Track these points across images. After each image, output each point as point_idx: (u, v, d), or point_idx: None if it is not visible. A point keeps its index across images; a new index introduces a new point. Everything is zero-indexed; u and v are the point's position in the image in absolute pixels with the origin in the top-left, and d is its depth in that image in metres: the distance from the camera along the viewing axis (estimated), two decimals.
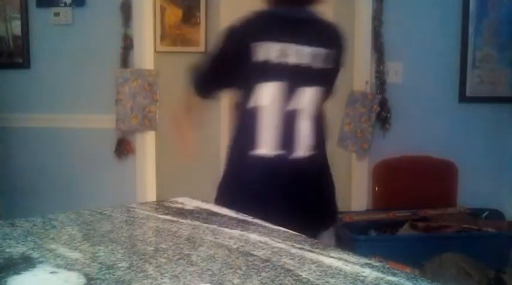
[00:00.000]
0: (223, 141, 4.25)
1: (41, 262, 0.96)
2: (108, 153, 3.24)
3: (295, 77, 1.66)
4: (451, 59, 3.17)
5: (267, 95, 1.65)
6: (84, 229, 1.20)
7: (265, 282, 0.87)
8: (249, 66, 1.65)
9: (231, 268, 0.94)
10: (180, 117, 1.90)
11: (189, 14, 4.24)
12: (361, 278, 0.89)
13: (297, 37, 1.66)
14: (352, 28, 3.13)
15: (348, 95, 3.13)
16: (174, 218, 1.27)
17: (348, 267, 0.94)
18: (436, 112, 3.20)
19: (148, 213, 1.35)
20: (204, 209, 1.37)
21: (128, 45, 3.18)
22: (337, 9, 3.18)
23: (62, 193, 3.29)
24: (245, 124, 1.73)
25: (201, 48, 4.21)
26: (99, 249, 1.04)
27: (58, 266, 0.95)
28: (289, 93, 1.66)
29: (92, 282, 0.88)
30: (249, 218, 1.28)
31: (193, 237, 1.12)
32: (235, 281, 0.88)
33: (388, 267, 0.94)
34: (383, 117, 3.12)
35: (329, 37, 1.76)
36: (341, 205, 2.05)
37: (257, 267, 0.94)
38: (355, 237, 2.70)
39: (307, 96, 1.69)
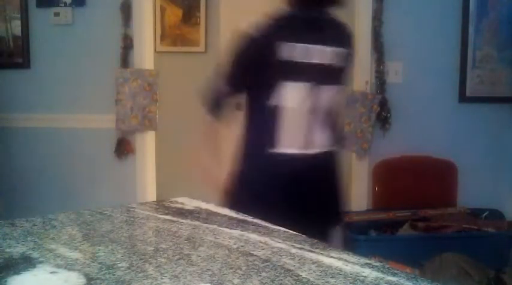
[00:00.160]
0: (223, 141, 4.24)
1: (41, 262, 0.96)
2: (108, 153, 3.24)
3: (318, 76, 1.71)
4: (451, 59, 3.17)
5: (291, 94, 1.69)
6: (84, 229, 1.20)
7: (265, 282, 0.87)
8: (272, 66, 1.67)
9: (231, 268, 0.94)
10: (203, 148, 1.90)
11: (189, 14, 4.24)
12: (361, 278, 0.89)
13: (318, 37, 1.71)
14: (352, 28, 3.12)
15: (348, 95, 3.13)
16: (174, 218, 1.27)
17: (348, 267, 0.94)
18: (436, 112, 3.20)
19: (148, 213, 1.35)
20: (204, 209, 1.37)
21: (127, 45, 3.18)
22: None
23: (62, 193, 3.29)
24: (264, 123, 1.76)
25: (201, 48, 4.22)
26: (99, 249, 1.04)
27: (58, 266, 0.95)
28: (312, 91, 1.71)
29: (92, 282, 0.88)
30: (249, 218, 1.28)
31: (193, 237, 1.12)
32: (235, 281, 0.88)
33: (388, 267, 0.94)
34: (383, 117, 3.12)
35: (344, 36, 1.82)
36: None
37: (257, 267, 0.94)
38: (355, 237, 2.71)
39: (327, 94, 1.74)
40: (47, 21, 3.27)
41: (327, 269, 0.93)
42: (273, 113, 1.70)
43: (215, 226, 1.21)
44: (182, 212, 1.33)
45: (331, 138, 1.79)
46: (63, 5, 3.23)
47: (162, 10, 4.25)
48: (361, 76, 3.13)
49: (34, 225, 1.22)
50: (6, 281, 0.88)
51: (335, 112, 1.82)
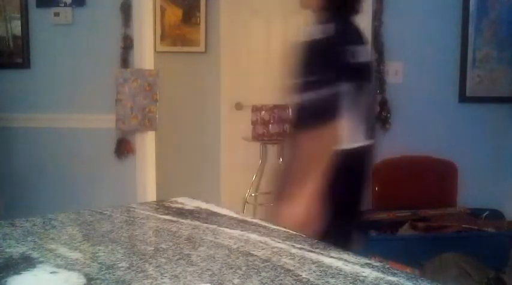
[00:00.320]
0: (223, 141, 4.25)
1: (41, 262, 0.96)
2: (108, 153, 3.24)
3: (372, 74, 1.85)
4: (451, 59, 3.17)
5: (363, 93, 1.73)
6: (84, 229, 1.20)
7: (265, 282, 0.87)
8: (349, 68, 1.65)
9: (231, 268, 0.94)
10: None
11: (189, 14, 4.23)
12: (361, 278, 0.89)
13: (363, 39, 1.78)
14: None
15: None
16: (174, 218, 1.27)
17: (348, 267, 0.94)
18: (436, 112, 3.20)
19: (148, 213, 1.35)
20: (204, 209, 1.37)
21: (128, 45, 3.18)
22: None
23: (62, 193, 3.29)
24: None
25: (201, 48, 4.21)
26: (99, 249, 1.04)
27: (58, 266, 0.95)
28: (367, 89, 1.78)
29: (92, 282, 0.88)
30: (249, 218, 1.28)
31: (193, 238, 1.12)
32: (235, 281, 0.88)
33: (388, 267, 0.94)
34: (383, 117, 3.12)
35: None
36: None
37: (257, 267, 0.94)
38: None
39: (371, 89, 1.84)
40: (47, 21, 3.27)
41: (327, 269, 0.93)
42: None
43: (215, 226, 1.21)
44: (182, 212, 1.33)
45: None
46: (63, 5, 3.23)
47: (162, 10, 4.25)
48: None
49: (34, 225, 1.22)
50: (6, 281, 0.88)
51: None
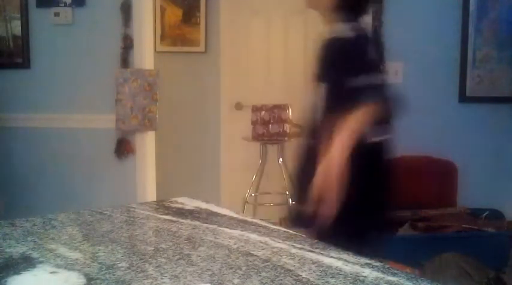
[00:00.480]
0: (223, 141, 4.25)
1: (41, 262, 0.96)
2: (108, 153, 3.24)
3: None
4: (451, 59, 3.17)
5: None
6: (84, 229, 1.20)
7: (265, 282, 0.87)
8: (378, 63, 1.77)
9: (231, 268, 0.94)
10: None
11: (189, 14, 4.23)
12: (361, 278, 0.89)
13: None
14: None
15: None
16: (174, 218, 1.27)
17: (348, 267, 0.94)
18: (436, 112, 3.20)
19: (148, 213, 1.35)
20: (204, 209, 1.37)
21: (128, 45, 3.18)
22: None
23: (62, 193, 3.29)
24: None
25: (201, 48, 4.21)
26: (99, 249, 1.04)
27: (58, 266, 0.95)
28: None
29: (92, 282, 0.88)
30: (249, 218, 1.28)
31: (193, 237, 1.12)
32: (235, 281, 0.88)
33: (388, 267, 0.94)
34: None
35: None
36: None
37: (257, 267, 0.94)
38: None
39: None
40: (47, 21, 3.27)
41: (327, 269, 0.93)
42: None
43: (215, 226, 1.21)
44: (182, 212, 1.33)
45: None
46: (63, 5, 3.23)
47: (162, 10, 4.25)
48: None
49: (34, 225, 1.22)
50: (6, 281, 0.88)
51: None
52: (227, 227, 1.20)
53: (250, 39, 4.21)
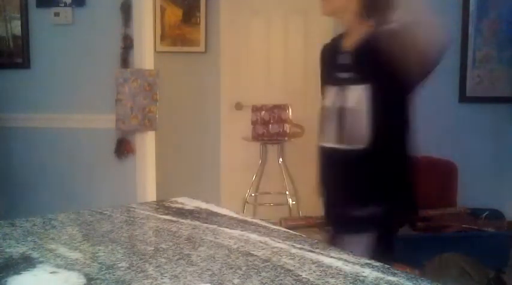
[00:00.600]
0: (223, 141, 4.26)
1: (41, 262, 0.96)
2: (108, 153, 3.24)
3: None
4: (451, 59, 3.16)
5: None
6: (84, 229, 1.20)
7: (265, 282, 0.87)
8: None
9: (231, 268, 0.94)
10: None
11: (189, 14, 4.24)
12: (361, 278, 0.89)
13: None
14: None
15: None
16: (174, 218, 1.27)
17: (348, 267, 0.94)
18: (436, 112, 3.20)
19: (148, 213, 1.35)
20: (204, 209, 1.37)
21: (128, 45, 3.18)
22: None
23: (62, 193, 3.29)
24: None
25: (201, 48, 4.21)
26: (99, 249, 1.04)
27: (58, 266, 0.95)
28: None
29: (92, 282, 0.88)
30: (249, 218, 1.28)
31: (193, 237, 1.12)
32: (235, 281, 0.88)
33: (388, 267, 0.94)
34: None
35: None
36: None
37: (257, 267, 0.94)
38: None
39: None
40: (47, 21, 3.27)
41: (327, 269, 0.93)
42: None
43: (215, 226, 1.21)
44: (182, 212, 1.33)
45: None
46: (63, 5, 3.23)
47: (162, 10, 4.25)
48: None
49: (34, 225, 1.22)
50: (6, 281, 0.88)
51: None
52: (227, 227, 1.20)
53: (250, 39, 4.22)
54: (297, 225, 3.32)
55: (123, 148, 3.24)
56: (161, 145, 3.52)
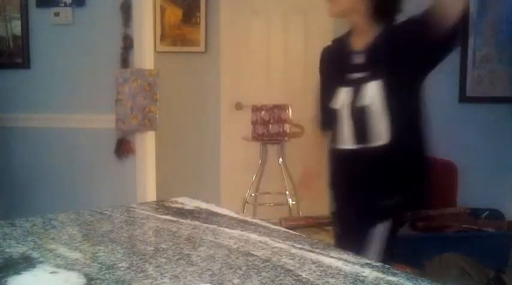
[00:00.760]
0: (223, 141, 4.26)
1: (41, 262, 0.96)
2: (108, 153, 3.24)
3: None
4: (451, 59, 3.15)
5: None
6: (84, 229, 1.20)
7: (265, 282, 0.87)
8: None
9: (231, 268, 0.94)
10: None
11: (189, 14, 4.24)
12: (361, 278, 0.89)
13: None
14: None
15: None
16: (174, 218, 1.27)
17: (348, 267, 0.94)
18: (436, 112, 3.19)
19: (148, 213, 1.35)
20: (204, 209, 1.37)
21: (128, 45, 3.18)
22: None
23: (62, 193, 3.29)
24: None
25: (201, 48, 4.21)
26: (99, 249, 1.04)
27: (58, 266, 0.95)
28: None
29: (92, 282, 0.88)
30: (249, 218, 1.28)
31: (193, 237, 1.12)
32: (235, 281, 0.88)
33: (388, 267, 0.94)
34: None
35: None
36: None
37: (257, 267, 0.94)
38: None
39: None
40: (47, 21, 3.27)
41: (327, 269, 0.93)
42: None
43: (215, 226, 1.21)
44: (182, 212, 1.33)
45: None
46: (63, 5, 3.23)
47: (162, 10, 4.25)
48: None
49: (34, 225, 1.22)
50: (6, 281, 0.88)
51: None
52: (227, 227, 1.20)
53: (250, 39, 4.22)
54: (297, 225, 3.33)
55: (123, 148, 3.24)
56: (161, 145, 3.52)
